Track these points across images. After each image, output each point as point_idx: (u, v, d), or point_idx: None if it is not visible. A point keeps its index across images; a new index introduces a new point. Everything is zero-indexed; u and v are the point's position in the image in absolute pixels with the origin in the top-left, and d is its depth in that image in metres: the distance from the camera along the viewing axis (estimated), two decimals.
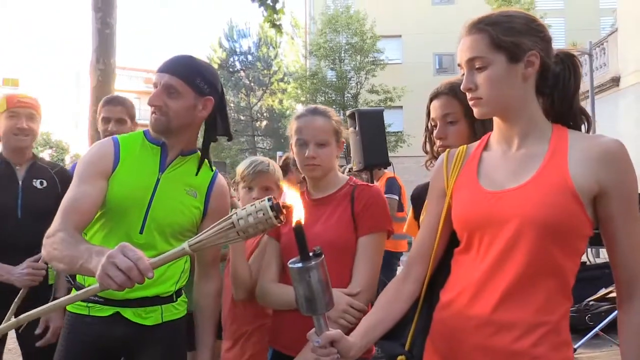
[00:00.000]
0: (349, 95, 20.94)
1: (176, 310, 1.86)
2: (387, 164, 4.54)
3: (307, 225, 1.79)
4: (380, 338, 1.52)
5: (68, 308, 1.81)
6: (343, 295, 1.75)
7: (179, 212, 1.79)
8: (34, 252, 2.19)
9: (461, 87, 1.35)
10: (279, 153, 9.87)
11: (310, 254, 1.22)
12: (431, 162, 1.83)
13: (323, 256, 1.22)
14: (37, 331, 2.33)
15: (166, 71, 1.75)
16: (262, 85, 29.95)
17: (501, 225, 1.26)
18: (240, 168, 2.28)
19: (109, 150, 1.78)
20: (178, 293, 1.88)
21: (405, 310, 1.45)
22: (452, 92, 1.69)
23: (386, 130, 16.14)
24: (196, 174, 1.85)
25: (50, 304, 1.41)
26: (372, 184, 2.04)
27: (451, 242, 1.45)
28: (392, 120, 19.67)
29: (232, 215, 1.30)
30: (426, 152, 1.86)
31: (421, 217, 1.78)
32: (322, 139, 1.89)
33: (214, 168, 1.94)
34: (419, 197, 1.85)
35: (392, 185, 5.07)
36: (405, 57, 22.94)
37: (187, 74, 1.75)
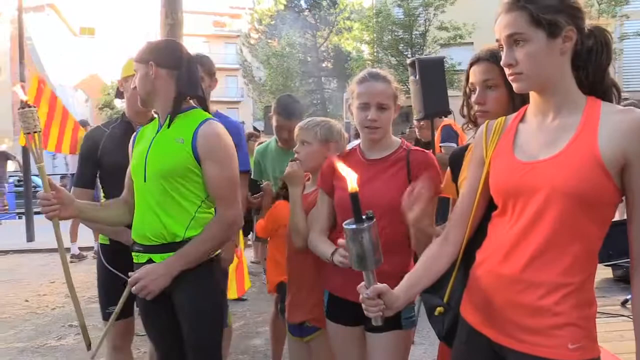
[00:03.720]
0: (417, 33, 20.27)
1: None
2: (447, 112, 4.54)
3: (361, 184, 1.95)
4: (422, 291, 1.70)
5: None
6: None
7: (167, 156, 2.06)
8: None
9: (501, 63, 1.41)
10: (345, 95, 9.88)
11: (363, 216, 1.36)
12: (468, 126, 1.90)
13: (375, 220, 1.36)
14: None
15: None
16: (328, 25, 29.53)
17: (532, 194, 1.35)
18: None
19: (131, 139, 2.30)
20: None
21: (445, 269, 1.59)
22: (493, 58, 1.72)
23: (455, 69, 15.60)
24: (168, 127, 2.11)
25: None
26: (426, 152, 2.12)
27: (489, 206, 1.55)
28: (461, 58, 18.94)
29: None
30: (463, 116, 1.93)
31: (459, 180, 1.88)
32: (383, 103, 2.01)
33: (205, 116, 2.14)
34: (456, 160, 1.94)
35: (448, 134, 5.02)
36: None
37: (137, 53, 2.16)
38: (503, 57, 1.40)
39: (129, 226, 2.27)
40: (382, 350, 2.00)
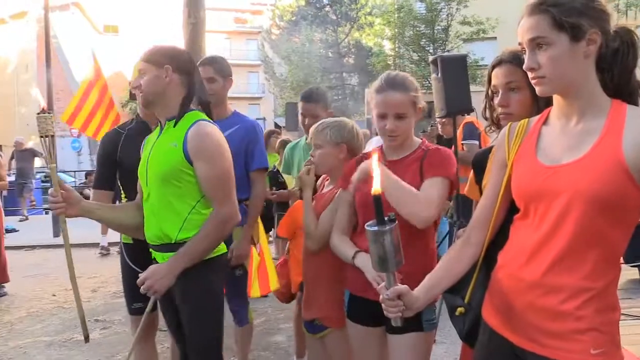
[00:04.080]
0: (439, 28, 20.07)
1: None
2: (470, 110, 4.50)
3: None
4: (444, 291, 1.70)
5: None
6: None
7: (162, 160, 2.13)
8: None
9: (524, 67, 1.40)
10: (367, 90, 9.86)
11: (386, 218, 1.37)
12: (491, 128, 1.89)
13: (397, 222, 1.38)
14: None
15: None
16: (349, 20, 29.43)
17: (554, 198, 1.34)
18: None
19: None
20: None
21: (466, 271, 1.59)
22: (516, 60, 1.70)
23: (478, 64, 15.34)
24: (174, 126, 2.16)
25: None
26: (442, 147, 2.11)
27: (511, 209, 1.54)
28: (484, 53, 18.72)
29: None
30: (486, 119, 1.92)
31: (483, 182, 1.87)
32: (401, 112, 2.01)
33: (197, 118, 2.17)
34: (480, 162, 1.92)
35: (470, 131, 4.95)
36: None
37: (148, 54, 2.19)
38: (525, 61, 1.38)
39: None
40: (402, 352, 2.01)
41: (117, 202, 3.00)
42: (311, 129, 2.53)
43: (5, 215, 7.28)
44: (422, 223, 1.92)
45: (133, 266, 2.69)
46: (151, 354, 2.92)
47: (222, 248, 2.23)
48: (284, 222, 2.91)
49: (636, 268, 4.33)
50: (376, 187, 1.35)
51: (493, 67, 1.82)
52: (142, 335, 2.78)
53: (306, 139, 3.50)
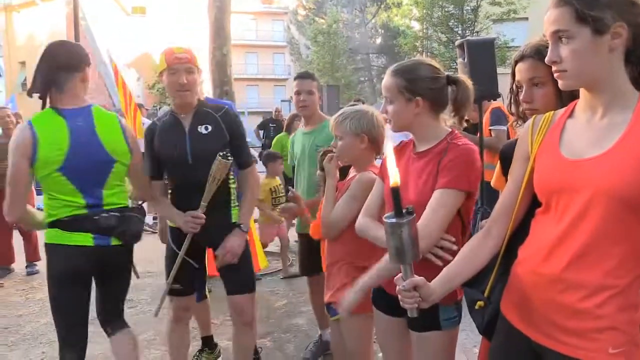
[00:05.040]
0: (469, 8, 19.68)
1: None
2: (496, 96, 4.42)
3: (404, 178, 1.93)
4: (464, 285, 1.69)
5: None
6: None
7: None
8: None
9: (546, 59, 1.38)
10: None
11: (404, 211, 1.37)
12: (517, 123, 1.85)
13: (414, 215, 1.38)
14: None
15: None
16: (376, 1, 29.07)
17: (576, 192, 1.32)
18: None
19: None
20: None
21: (485, 264, 1.58)
22: (538, 54, 1.66)
23: (508, 45, 14.97)
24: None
25: None
26: (464, 144, 1.92)
27: (533, 202, 1.52)
28: (515, 34, 18.31)
29: None
30: (511, 114, 1.88)
31: (509, 176, 1.84)
32: (388, 96, 1.97)
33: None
34: (507, 154, 1.88)
35: (498, 116, 4.83)
36: None
37: None
38: (548, 54, 1.36)
39: (184, 211, 2.63)
40: (419, 350, 2.00)
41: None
42: (332, 120, 2.53)
43: (37, 195, 7.45)
44: None
45: (176, 249, 2.77)
46: (182, 336, 3.00)
47: (53, 238, 2.57)
48: (316, 224, 2.93)
49: None
50: (394, 179, 1.35)
51: (516, 62, 1.79)
52: (174, 315, 2.92)
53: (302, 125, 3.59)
